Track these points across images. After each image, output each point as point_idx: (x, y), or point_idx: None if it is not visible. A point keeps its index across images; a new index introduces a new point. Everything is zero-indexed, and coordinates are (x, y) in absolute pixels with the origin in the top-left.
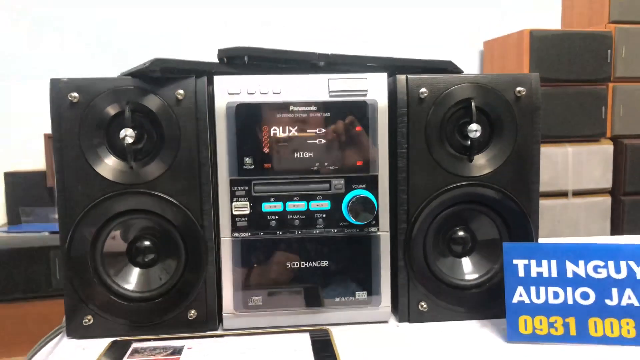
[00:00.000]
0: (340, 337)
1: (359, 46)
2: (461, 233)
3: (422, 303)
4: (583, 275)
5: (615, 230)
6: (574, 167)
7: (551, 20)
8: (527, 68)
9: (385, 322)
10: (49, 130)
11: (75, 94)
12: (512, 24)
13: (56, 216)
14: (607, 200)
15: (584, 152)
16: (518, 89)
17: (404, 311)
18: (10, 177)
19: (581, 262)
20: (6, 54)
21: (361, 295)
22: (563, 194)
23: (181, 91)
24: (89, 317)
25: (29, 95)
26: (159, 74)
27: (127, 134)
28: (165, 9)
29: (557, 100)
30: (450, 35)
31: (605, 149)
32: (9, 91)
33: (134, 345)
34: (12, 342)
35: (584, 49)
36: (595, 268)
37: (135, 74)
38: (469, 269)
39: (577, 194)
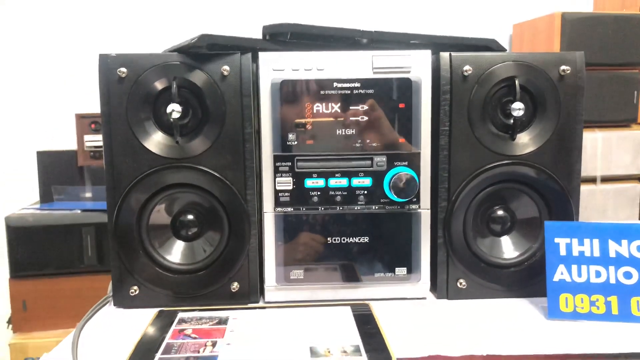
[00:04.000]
0: (379, 312)
1: (384, 24)
2: (501, 212)
3: (461, 280)
4: (626, 255)
5: None
6: (603, 152)
7: (582, 3)
8: (557, 51)
9: (424, 298)
10: (79, 110)
11: (124, 69)
12: (543, 7)
13: (87, 195)
14: (636, 186)
15: (614, 137)
16: (562, 67)
17: (442, 288)
18: (42, 155)
19: (624, 242)
20: (39, 31)
21: (401, 271)
22: (591, 180)
23: (227, 67)
24: (135, 287)
25: (61, 75)
26: (205, 50)
27: (174, 109)
28: None
29: (588, 84)
30: (478, 18)
31: (635, 135)
32: (41, 71)
33: (180, 315)
34: (45, 316)
35: (616, 33)
36: (639, 248)
37: (181, 49)
38: (508, 248)
39: (606, 180)
